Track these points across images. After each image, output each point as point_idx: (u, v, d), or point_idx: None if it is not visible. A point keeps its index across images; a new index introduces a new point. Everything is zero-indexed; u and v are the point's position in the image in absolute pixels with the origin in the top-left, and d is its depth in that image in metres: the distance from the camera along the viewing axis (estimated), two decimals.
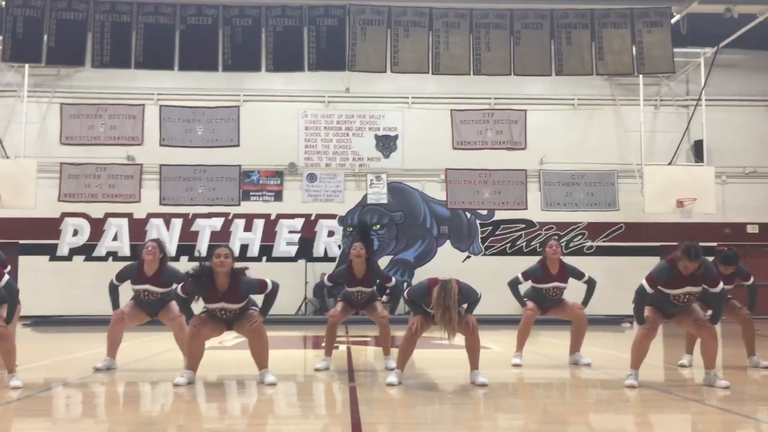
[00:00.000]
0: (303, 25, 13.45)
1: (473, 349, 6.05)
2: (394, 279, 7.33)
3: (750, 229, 18.73)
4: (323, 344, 7.42)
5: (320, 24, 13.50)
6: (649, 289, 5.92)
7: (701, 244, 6.14)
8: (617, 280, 16.88)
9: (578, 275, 7.69)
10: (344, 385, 6.14)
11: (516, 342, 7.62)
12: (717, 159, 18.20)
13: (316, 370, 6.98)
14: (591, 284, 7.74)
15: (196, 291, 5.99)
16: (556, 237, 7.91)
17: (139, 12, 13.12)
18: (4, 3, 13.16)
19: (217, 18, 13.28)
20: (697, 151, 18.34)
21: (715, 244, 17.03)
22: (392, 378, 5.99)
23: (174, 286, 6.69)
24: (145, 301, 7.04)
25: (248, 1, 13.58)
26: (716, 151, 18.35)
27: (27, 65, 16.35)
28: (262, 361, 6.09)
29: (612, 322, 15.62)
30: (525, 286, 7.65)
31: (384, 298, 7.76)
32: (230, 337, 10.22)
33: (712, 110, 18.06)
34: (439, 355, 8.47)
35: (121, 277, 7.00)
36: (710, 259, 6.23)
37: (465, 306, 6.10)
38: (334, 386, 6.26)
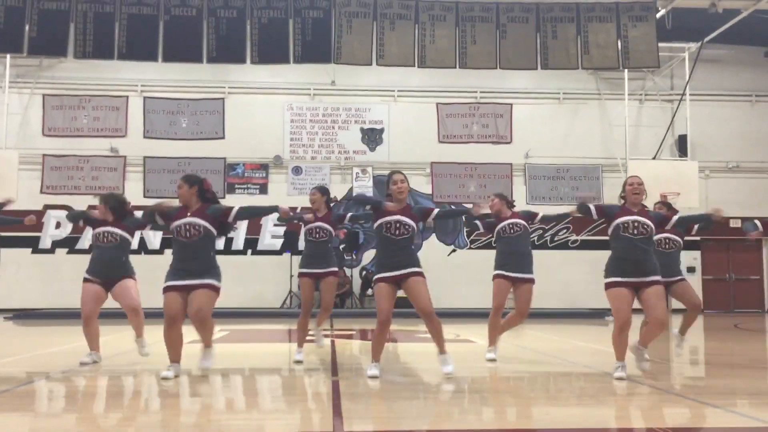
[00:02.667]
0: (288, 17, 13.40)
1: (436, 333, 6.02)
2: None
3: (732, 224, 18.85)
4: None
5: (306, 16, 13.45)
6: (593, 209, 6.10)
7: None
8: (601, 274, 16.96)
9: (531, 216, 7.68)
10: (328, 379, 6.13)
11: (488, 336, 7.47)
12: (700, 154, 18.33)
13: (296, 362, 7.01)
14: (545, 219, 7.96)
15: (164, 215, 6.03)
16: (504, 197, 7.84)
17: (122, 2, 13.02)
18: None
19: (202, 9, 13.21)
20: (681, 145, 18.46)
21: (697, 238, 17.21)
22: (373, 371, 5.98)
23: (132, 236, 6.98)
24: (103, 249, 6.82)
25: None
26: (700, 146, 18.47)
27: (8, 55, 16.17)
28: (205, 340, 6.09)
29: (595, 315, 15.71)
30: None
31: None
32: (215, 330, 10.15)
33: (696, 105, 18.18)
34: (423, 349, 8.48)
35: (86, 216, 7.05)
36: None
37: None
38: (318, 380, 6.25)
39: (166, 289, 5.92)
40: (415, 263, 6.04)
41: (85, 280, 6.90)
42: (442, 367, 5.96)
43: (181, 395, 5.46)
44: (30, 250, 17.75)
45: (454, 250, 18.58)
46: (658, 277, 5.96)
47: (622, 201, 6.15)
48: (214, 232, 6.03)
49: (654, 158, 17.86)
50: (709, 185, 18.47)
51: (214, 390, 5.81)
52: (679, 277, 7.52)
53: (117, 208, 6.92)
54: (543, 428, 4.41)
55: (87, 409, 4.99)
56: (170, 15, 13.06)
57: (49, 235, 17.87)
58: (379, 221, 6.04)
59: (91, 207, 7.10)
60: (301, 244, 7.49)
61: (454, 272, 17.35)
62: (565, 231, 18.59)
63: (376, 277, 6.06)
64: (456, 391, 5.55)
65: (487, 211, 7.06)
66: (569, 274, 17.34)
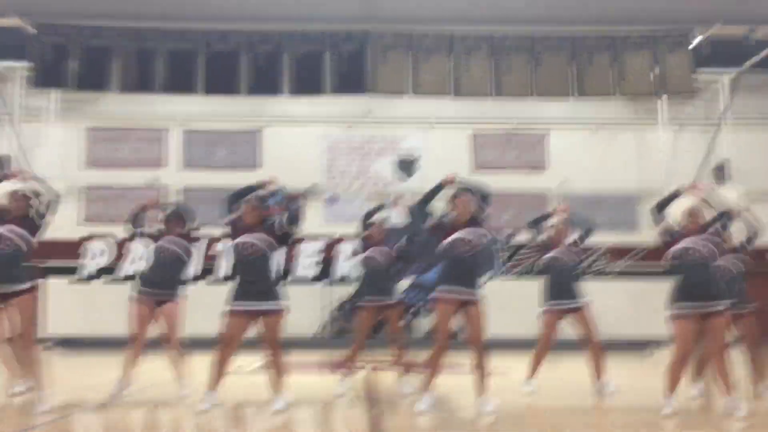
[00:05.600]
0: (324, 50, 13.61)
1: (480, 370, 5.88)
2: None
3: None
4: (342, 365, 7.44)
5: (341, 48, 13.65)
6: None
7: None
8: (639, 304, 16.68)
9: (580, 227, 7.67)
10: (365, 413, 6.11)
11: (531, 365, 7.46)
12: (741, 180, 17.97)
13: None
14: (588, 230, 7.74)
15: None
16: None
17: (163, 38, 13.36)
18: (32, 30, 13.47)
19: (240, 43, 13.49)
20: (720, 173, 18.17)
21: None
22: (424, 404, 5.90)
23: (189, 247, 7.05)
24: (160, 261, 6.89)
25: (270, 28, 13.78)
26: (740, 173, 18.13)
27: (54, 90, 16.64)
28: (277, 382, 6.02)
29: (634, 346, 15.41)
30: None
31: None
32: (249, 361, 10.22)
33: (735, 131, 17.90)
34: (463, 381, 8.40)
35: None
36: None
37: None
38: (355, 413, 6.23)
39: (231, 312, 5.89)
40: (478, 289, 5.96)
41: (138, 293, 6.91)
42: (482, 407, 5.85)
43: (217, 427, 5.49)
44: (69, 279, 18.09)
45: (490, 278, 18.46)
46: (726, 303, 5.82)
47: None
48: (270, 250, 5.99)
49: None
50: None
51: (249, 423, 5.84)
52: (749, 308, 7.09)
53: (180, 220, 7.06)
54: None
55: None
56: (210, 49, 13.38)
57: (88, 264, 18.20)
58: (447, 240, 5.93)
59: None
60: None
61: (488, 301, 17.21)
62: (603, 259, 18.35)
63: (439, 292, 5.90)
64: (494, 425, 5.50)
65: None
66: (606, 304, 17.00)
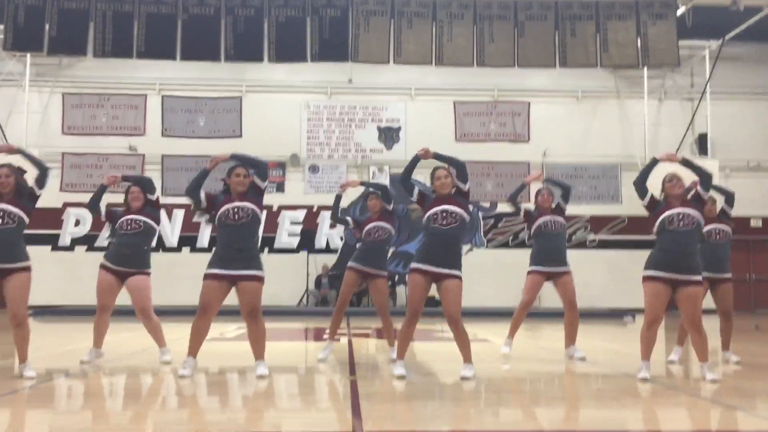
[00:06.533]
0: (306, 15, 13.42)
1: (461, 341, 5.88)
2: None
3: (753, 224, 18.67)
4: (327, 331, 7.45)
5: (323, 14, 13.46)
6: (649, 195, 6.03)
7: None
8: (619, 274, 16.86)
9: (562, 196, 7.61)
10: (345, 378, 6.12)
11: (511, 326, 7.61)
12: (721, 152, 18.14)
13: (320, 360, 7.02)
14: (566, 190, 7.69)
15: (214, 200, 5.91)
16: (548, 188, 7.79)
17: (141, 1, 13.10)
18: None
19: (219, 8, 13.27)
20: (701, 144, 18.28)
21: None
22: (400, 370, 5.88)
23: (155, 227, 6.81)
24: (124, 237, 6.65)
25: None
26: (720, 145, 18.28)
27: (29, 54, 16.31)
28: (258, 352, 5.99)
29: (614, 315, 15.60)
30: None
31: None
32: (232, 329, 10.22)
33: (716, 103, 17.99)
34: (441, 348, 8.45)
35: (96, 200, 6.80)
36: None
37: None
38: (335, 379, 6.24)
39: (207, 276, 5.80)
40: (456, 265, 5.81)
41: (101, 266, 6.72)
42: (462, 371, 5.84)
43: (199, 393, 5.47)
44: (49, 247, 17.91)
45: (470, 249, 18.52)
46: (699, 278, 5.80)
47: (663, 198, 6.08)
48: (260, 215, 5.90)
49: None
50: (729, 184, 18.20)
51: (230, 388, 5.82)
52: (727, 275, 7.11)
53: (148, 201, 6.85)
54: (561, 430, 4.38)
55: (105, 408, 5.01)
56: (188, 14, 13.14)
57: (68, 232, 18.02)
58: (427, 213, 5.85)
59: (111, 205, 6.99)
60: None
61: (471, 271, 17.25)
62: (583, 230, 18.47)
63: (412, 266, 5.84)
64: (473, 391, 5.52)
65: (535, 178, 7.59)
66: (587, 274, 17.20)
